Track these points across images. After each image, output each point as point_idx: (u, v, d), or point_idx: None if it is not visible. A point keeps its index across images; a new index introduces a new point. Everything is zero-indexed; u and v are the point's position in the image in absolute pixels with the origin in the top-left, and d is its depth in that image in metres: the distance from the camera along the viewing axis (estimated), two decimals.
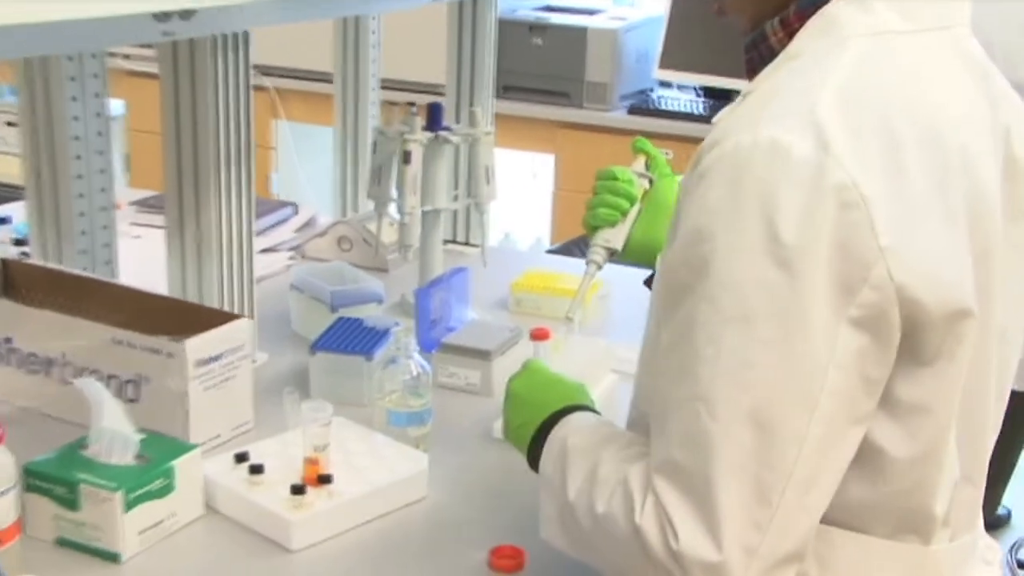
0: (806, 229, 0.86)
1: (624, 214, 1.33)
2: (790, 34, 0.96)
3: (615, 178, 1.34)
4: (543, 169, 3.84)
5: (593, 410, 1.14)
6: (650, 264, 1.35)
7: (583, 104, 3.51)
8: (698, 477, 0.89)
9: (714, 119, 0.99)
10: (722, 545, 0.87)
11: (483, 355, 1.58)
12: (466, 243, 2.22)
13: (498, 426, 1.47)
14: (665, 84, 3.67)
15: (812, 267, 0.86)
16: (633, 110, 3.51)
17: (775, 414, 0.87)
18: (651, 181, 1.36)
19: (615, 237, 1.34)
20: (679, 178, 1.36)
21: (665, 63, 3.57)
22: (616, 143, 3.50)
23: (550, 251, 2.95)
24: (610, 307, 1.96)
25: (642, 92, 3.63)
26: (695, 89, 3.57)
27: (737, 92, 0.99)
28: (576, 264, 2.29)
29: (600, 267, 1.35)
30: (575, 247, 2.87)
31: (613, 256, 1.35)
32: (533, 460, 1.11)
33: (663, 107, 3.49)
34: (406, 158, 1.69)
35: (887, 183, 0.88)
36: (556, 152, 3.59)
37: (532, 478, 1.32)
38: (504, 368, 1.60)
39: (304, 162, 4.11)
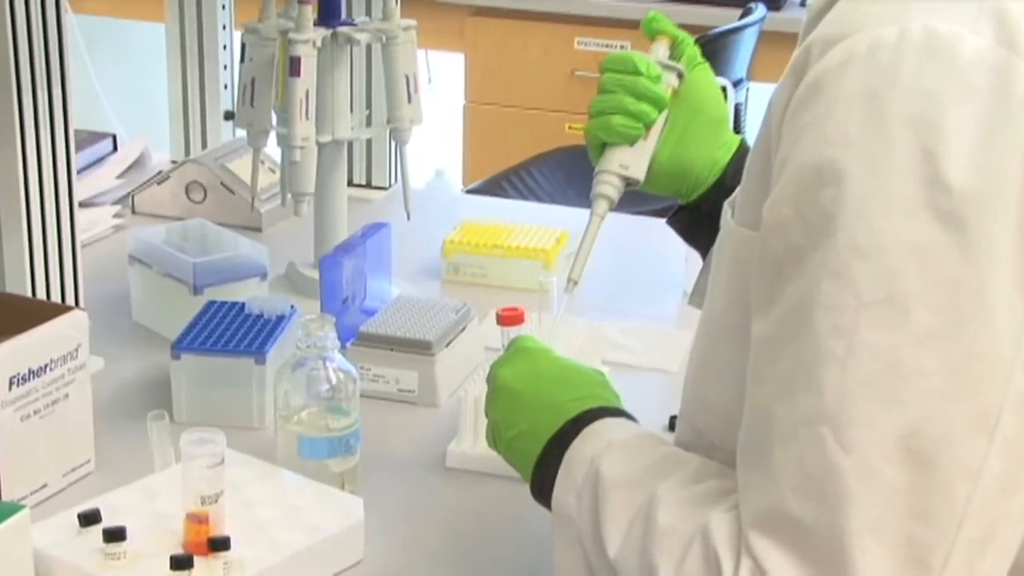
0: (984, 167, 0.83)
1: (648, 127, 1.27)
2: None
3: (636, 71, 1.26)
4: (446, 73, 3.77)
5: (623, 412, 1.11)
6: (681, 194, 1.30)
7: None
8: (823, 535, 0.85)
9: (809, 1, 0.93)
10: None
11: (421, 348, 1.54)
12: (367, 184, 2.15)
13: (453, 449, 1.42)
14: None
15: (992, 223, 0.83)
16: None
17: (937, 441, 0.84)
18: (680, 75, 1.30)
19: (636, 160, 1.27)
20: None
21: None
22: (550, 36, 3.45)
23: (470, 191, 2.88)
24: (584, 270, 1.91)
25: None
26: None
27: None
28: (526, 210, 2.27)
29: (613, 204, 1.28)
30: (507, 184, 2.81)
31: (629, 186, 1.29)
32: (541, 487, 1.08)
33: None
34: (293, 67, 1.62)
35: None
36: (465, 50, 3.55)
37: (516, 520, 1.30)
38: (451, 365, 1.55)
39: (104, 75, 3.97)
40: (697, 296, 1.27)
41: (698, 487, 0.96)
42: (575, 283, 1.27)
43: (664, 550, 0.93)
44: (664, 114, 1.28)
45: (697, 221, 1.30)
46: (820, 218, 0.86)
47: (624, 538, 0.97)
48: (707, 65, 1.32)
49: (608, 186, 1.27)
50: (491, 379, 1.16)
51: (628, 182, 1.28)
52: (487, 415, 1.16)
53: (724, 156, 1.28)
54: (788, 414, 0.87)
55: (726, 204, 1.04)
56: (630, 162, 1.27)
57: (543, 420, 1.09)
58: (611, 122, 1.26)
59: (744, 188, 1.00)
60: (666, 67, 1.29)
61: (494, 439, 1.15)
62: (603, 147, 1.28)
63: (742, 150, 1.28)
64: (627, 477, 1.00)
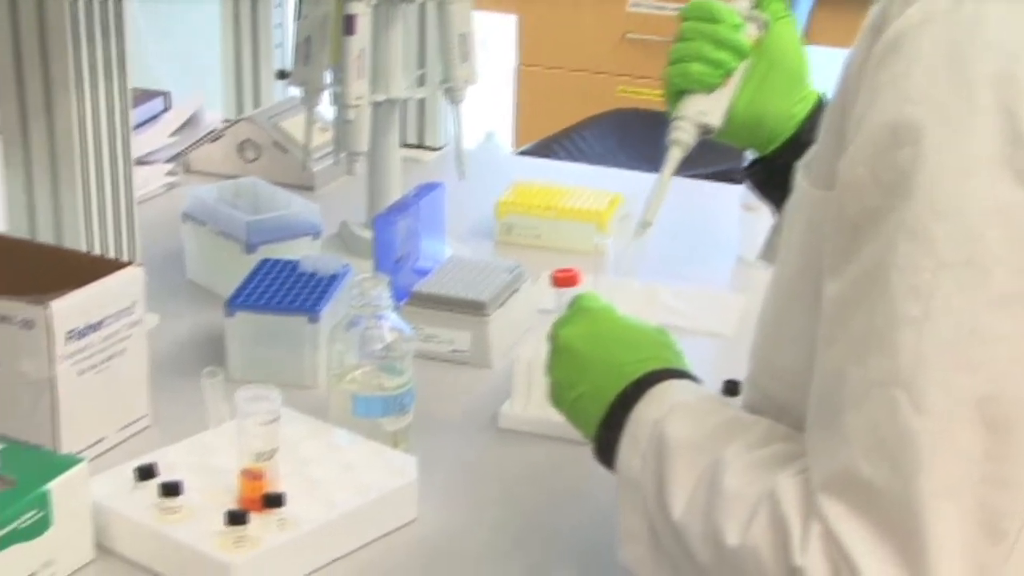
0: None
1: (728, 74, 1.27)
2: None
3: (716, 20, 1.26)
4: (499, 36, 3.75)
5: (687, 373, 1.11)
6: (756, 146, 1.31)
7: None
8: (896, 499, 0.84)
9: None
10: None
11: (475, 308, 1.54)
12: (419, 145, 2.15)
13: (507, 410, 1.43)
14: None
15: None
16: None
17: (1015, 407, 0.83)
18: (764, 25, 1.30)
19: (712, 107, 1.27)
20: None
21: None
22: None
23: (522, 153, 2.88)
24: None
25: None
26: None
27: None
28: (579, 172, 2.27)
29: (688, 150, 1.29)
30: (559, 147, 2.80)
31: (706, 135, 1.29)
32: (604, 448, 1.08)
33: None
34: (348, 26, 1.62)
35: None
36: (518, 11, 3.55)
37: (568, 480, 1.32)
38: (504, 326, 1.55)
39: (156, 34, 3.97)
40: (769, 252, 1.27)
41: (764, 451, 0.96)
42: (649, 225, 1.27)
43: (730, 515, 0.92)
44: (744, 64, 1.28)
45: (772, 175, 1.29)
46: (897, 178, 0.85)
47: (689, 501, 0.97)
48: (792, 19, 1.31)
49: (684, 132, 1.27)
50: (552, 339, 1.16)
51: (704, 130, 1.28)
52: (549, 375, 1.16)
53: (802, 111, 1.28)
54: (861, 376, 0.86)
55: (799, 165, 1.04)
56: (707, 109, 1.27)
57: (606, 382, 1.09)
58: (689, 69, 1.26)
59: (819, 148, 0.99)
60: (748, 17, 1.29)
61: (556, 399, 1.15)
62: (680, 95, 1.28)
63: (820, 106, 1.28)
64: (692, 440, 1.00)
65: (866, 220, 0.87)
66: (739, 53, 1.27)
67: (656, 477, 1.00)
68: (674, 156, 1.27)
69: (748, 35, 1.28)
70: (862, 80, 0.89)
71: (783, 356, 1.02)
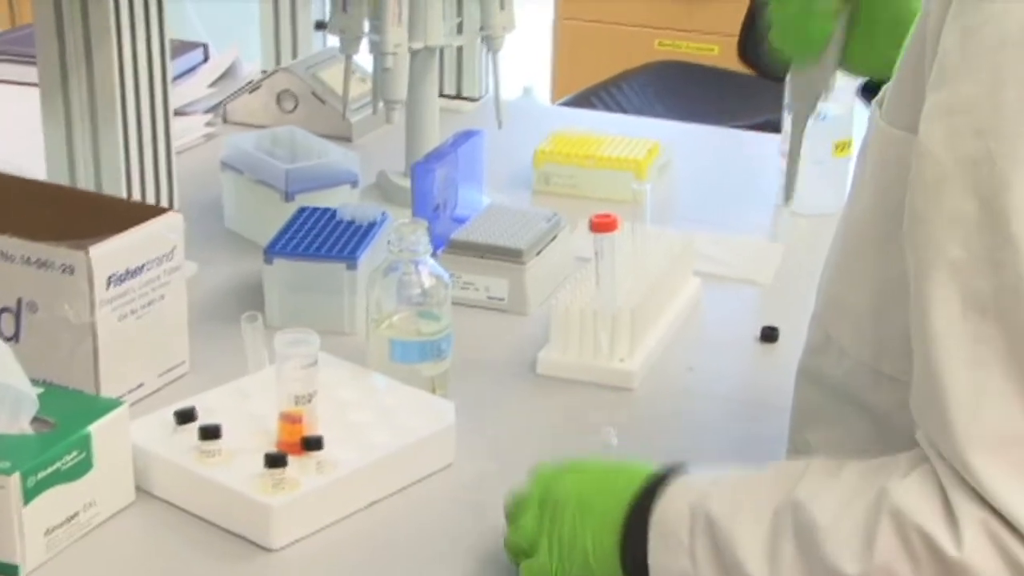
0: None
1: (827, 37, 1.23)
2: None
3: None
4: None
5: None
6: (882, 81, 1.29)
7: None
8: None
9: None
10: None
11: (512, 256, 1.54)
12: (457, 96, 2.15)
13: (544, 357, 1.42)
14: None
15: None
16: None
17: None
18: None
19: (819, 73, 1.25)
20: None
21: None
22: None
23: (562, 104, 2.88)
24: (673, 180, 1.89)
25: None
26: None
27: None
28: (617, 122, 2.26)
29: (806, 119, 1.30)
30: (597, 99, 2.80)
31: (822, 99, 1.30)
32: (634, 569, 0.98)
33: None
34: None
35: None
36: None
37: (606, 424, 1.33)
38: (542, 273, 1.54)
39: None
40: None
41: (841, 475, 0.89)
42: (790, 199, 1.37)
43: (841, 545, 0.85)
44: (842, 21, 1.23)
45: None
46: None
47: (772, 565, 0.89)
48: None
49: (798, 100, 1.28)
50: (541, 496, 1.07)
51: (816, 96, 1.28)
52: (549, 537, 1.05)
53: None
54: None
55: (874, 102, 1.01)
56: (815, 76, 1.26)
57: (614, 501, 1.00)
58: (788, 36, 1.24)
59: (896, 87, 0.96)
60: None
61: (561, 558, 1.03)
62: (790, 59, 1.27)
63: None
64: (745, 505, 0.92)
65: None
66: (829, 15, 1.22)
67: (715, 564, 0.92)
68: (795, 125, 1.29)
69: None
70: (946, 23, 0.86)
71: (849, 296, 0.99)
